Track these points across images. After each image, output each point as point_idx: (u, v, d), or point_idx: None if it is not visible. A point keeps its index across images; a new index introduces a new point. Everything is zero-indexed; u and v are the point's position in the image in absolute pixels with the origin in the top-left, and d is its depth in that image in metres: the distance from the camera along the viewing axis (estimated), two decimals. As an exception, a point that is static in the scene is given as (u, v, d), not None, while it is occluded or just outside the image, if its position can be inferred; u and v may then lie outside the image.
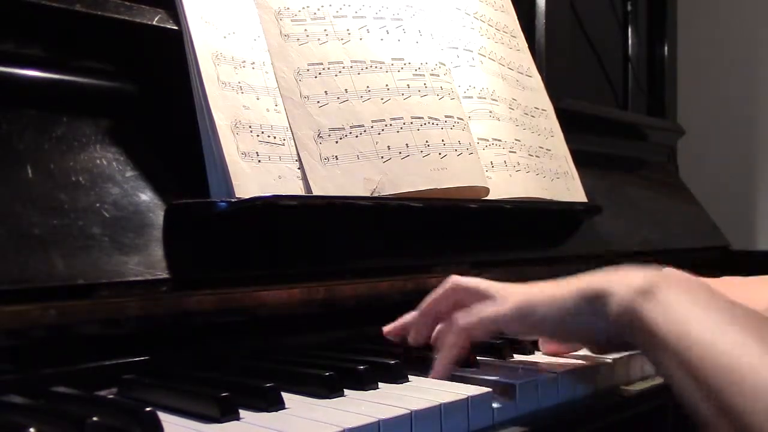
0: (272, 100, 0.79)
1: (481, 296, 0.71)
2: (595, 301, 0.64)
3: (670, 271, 0.63)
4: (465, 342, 0.70)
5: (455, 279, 0.74)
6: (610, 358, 0.77)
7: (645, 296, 0.60)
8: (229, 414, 0.54)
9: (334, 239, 0.81)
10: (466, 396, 0.60)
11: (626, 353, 0.78)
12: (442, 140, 0.87)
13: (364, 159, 0.81)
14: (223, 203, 0.71)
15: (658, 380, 0.77)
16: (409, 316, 0.75)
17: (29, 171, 0.65)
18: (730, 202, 1.95)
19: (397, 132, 0.84)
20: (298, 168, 0.78)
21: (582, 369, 0.74)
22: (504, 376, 0.67)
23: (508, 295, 0.69)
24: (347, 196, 0.79)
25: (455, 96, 0.92)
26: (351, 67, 0.84)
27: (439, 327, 0.73)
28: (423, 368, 0.69)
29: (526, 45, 1.14)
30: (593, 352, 0.77)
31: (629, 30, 1.70)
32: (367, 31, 0.87)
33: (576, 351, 0.80)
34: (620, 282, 0.63)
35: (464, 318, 0.69)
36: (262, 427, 0.52)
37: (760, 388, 0.52)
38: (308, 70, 0.82)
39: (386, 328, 0.76)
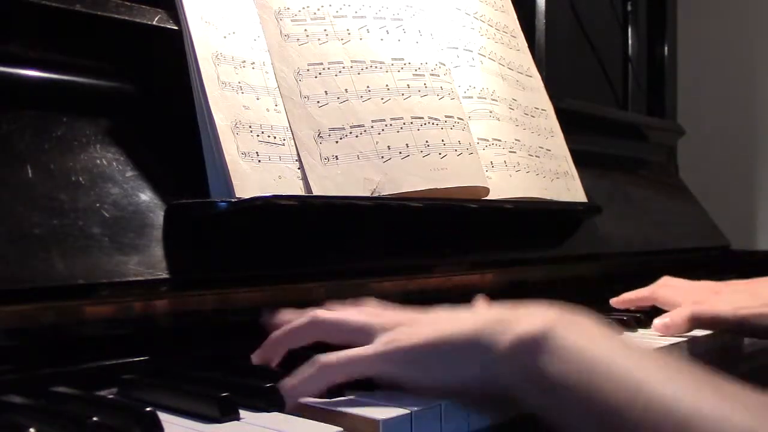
0: (272, 100, 0.79)
1: (348, 329, 0.63)
2: (478, 355, 0.55)
3: (555, 313, 0.55)
4: (320, 382, 0.58)
5: (318, 313, 0.65)
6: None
7: (536, 348, 0.52)
8: (229, 414, 0.54)
9: (334, 239, 0.81)
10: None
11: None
12: (442, 140, 0.87)
13: (364, 159, 0.81)
14: (223, 203, 0.71)
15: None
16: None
17: (29, 171, 0.65)
18: (730, 202, 1.95)
19: (397, 132, 0.84)
20: (298, 168, 0.78)
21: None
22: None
23: (385, 334, 0.60)
24: (347, 196, 0.79)
25: (455, 96, 0.92)
26: (351, 67, 0.84)
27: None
28: None
29: (526, 45, 1.14)
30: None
31: (629, 30, 1.70)
32: (367, 31, 0.87)
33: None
34: (506, 332, 0.55)
35: (327, 358, 0.59)
36: (262, 427, 0.52)
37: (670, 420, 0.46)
38: (308, 70, 0.82)
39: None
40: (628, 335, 0.53)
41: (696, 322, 0.89)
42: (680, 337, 0.88)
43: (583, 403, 0.50)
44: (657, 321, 0.90)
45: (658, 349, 0.81)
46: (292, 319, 0.67)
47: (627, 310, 1.01)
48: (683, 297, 0.95)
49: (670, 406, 0.47)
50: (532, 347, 0.52)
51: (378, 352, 0.59)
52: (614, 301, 1.03)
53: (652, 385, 0.48)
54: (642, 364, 0.51)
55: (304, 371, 0.58)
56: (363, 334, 0.61)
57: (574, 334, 0.53)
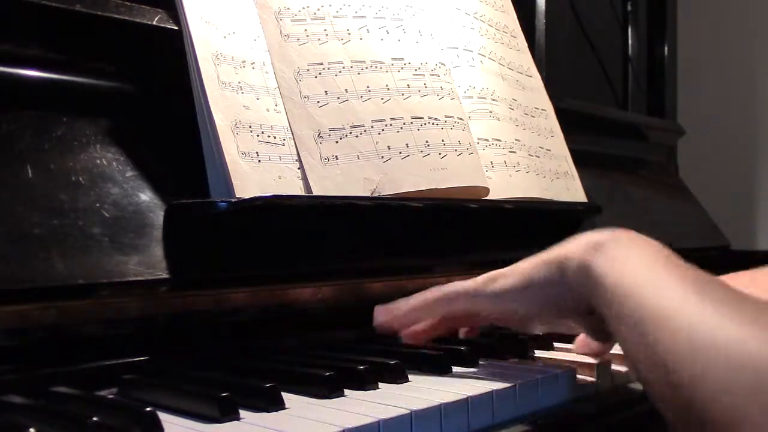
0: (272, 100, 0.79)
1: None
2: (554, 266, 0.66)
3: (626, 231, 0.65)
4: (426, 308, 0.74)
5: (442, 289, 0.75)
6: (615, 351, 0.77)
7: (596, 251, 0.62)
8: (229, 414, 0.54)
9: (334, 239, 0.81)
10: (466, 396, 0.60)
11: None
12: (442, 140, 0.87)
13: (364, 159, 0.81)
14: (223, 203, 0.71)
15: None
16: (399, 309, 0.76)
17: (29, 171, 0.65)
18: (730, 202, 1.95)
19: (397, 132, 0.84)
20: (298, 168, 0.78)
21: (587, 367, 0.74)
22: (503, 375, 0.67)
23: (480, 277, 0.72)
24: (347, 196, 0.79)
25: (455, 96, 0.92)
26: (351, 67, 0.84)
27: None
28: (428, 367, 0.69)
29: (526, 45, 1.14)
30: (589, 335, 0.75)
31: (629, 30, 1.70)
32: (367, 31, 0.87)
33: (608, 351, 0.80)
34: (576, 243, 0.65)
35: (442, 288, 0.73)
36: (262, 427, 0.52)
37: (692, 341, 0.51)
38: (308, 70, 0.82)
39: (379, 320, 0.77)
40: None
41: None
42: None
43: (617, 308, 0.58)
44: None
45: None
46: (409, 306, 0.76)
47: None
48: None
49: (696, 327, 0.52)
50: (593, 248, 0.63)
51: (476, 281, 0.71)
52: None
53: (683, 312, 0.54)
54: (667, 283, 0.57)
55: (421, 301, 0.74)
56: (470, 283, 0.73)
57: (626, 244, 0.62)
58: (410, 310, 0.75)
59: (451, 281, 0.94)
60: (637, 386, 0.76)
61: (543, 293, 0.68)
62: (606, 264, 0.61)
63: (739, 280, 0.95)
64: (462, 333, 0.82)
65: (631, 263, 0.60)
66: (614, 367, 0.76)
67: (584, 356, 0.78)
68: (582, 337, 0.80)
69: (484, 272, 0.99)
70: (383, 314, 0.76)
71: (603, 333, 0.70)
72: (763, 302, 0.54)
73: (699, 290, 0.55)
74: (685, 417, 0.51)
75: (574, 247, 0.65)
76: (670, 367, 0.52)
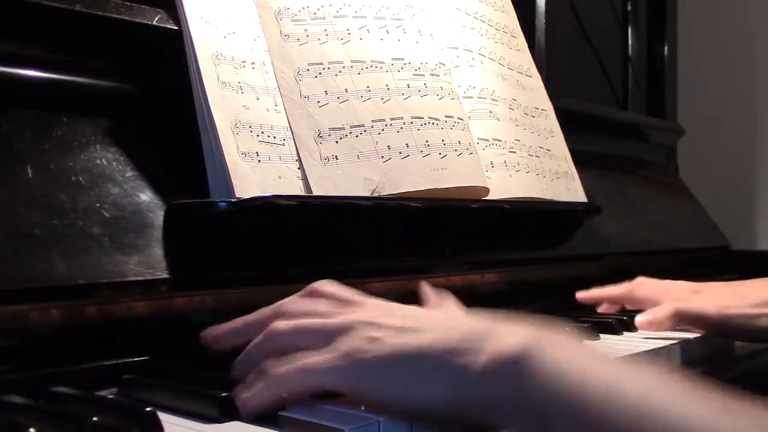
0: (272, 100, 0.79)
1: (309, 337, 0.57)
2: (445, 372, 0.51)
3: (535, 331, 0.51)
4: (269, 394, 0.54)
5: (270, 330, 0.59)
6: (624, 353, 0.77)
7: (517, 367, 0.49)
8: (229, 414, 0.54)
9: (334, 239, 0.81)
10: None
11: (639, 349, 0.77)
12: (442, 140, 0.87)
13: (364, 159, 0.81)
14: (223, 203, 0.71)
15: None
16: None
17: (29, 171, 0.65)
18: (730, 202, 1.95)
19: (397, 132, 0.84)
20: (298, 168, 0.78)
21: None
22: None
23: (344, 338, 0.54)
24: (347, 196, 0.79)
25: (455, 96, 0.92)
26: (351, 67, 0.84)
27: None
28: None
29: (526, 45, 1.14)
30: None
31: (629, 30, 1.70)
32: (367, 31, 0.87)
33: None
34: (479, 352, 0.50)
35: (277, 369, 0.55)
36: (262, 428, 0.52)
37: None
38: (308, 70, 0.82)
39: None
40: (601, 349, 0.51)
41: (679, 318, 0.88)
42: (666, 340, 0.86)
43: (573, 422, 0.47)
44: (639, 318, 0.89)
45: (648, 352, 0.80)
46: (232, 330, 0.63)
47: (595, 310, 1.01)
48: (663, 295, 0.94)
49: (665, 418, 0.45)
50: (514, 367, 0.48)
51: (334, 364, 0.53)
52: (581, 296, 1.01)
53: (651, 403, 0.46)
54: (633, 379, 0.48)
55: (256, 383, 0.54)
56: (319, 338, 0.55)
57: (558, 353, 0.49)
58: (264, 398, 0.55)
59: (451, 281, 0.94)
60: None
61: (422, 400, 0.52)
62: (543, 389, 0.48)
63: (722, 290, 0.95)
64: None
65: (575, 364, 0.48)
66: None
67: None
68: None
69: (484, 272, 0.99)
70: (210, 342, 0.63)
71: None
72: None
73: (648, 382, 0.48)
74: None
75: (477, 358, 0.50)
76: None
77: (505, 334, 0.51)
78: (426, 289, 0.69)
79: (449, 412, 0.51)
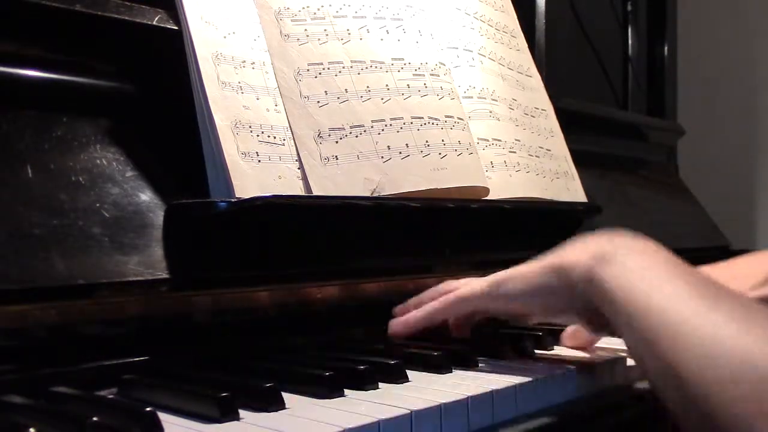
0: (272, 100, 0.79)
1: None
2: (560, 273, 0.67)
3: (630, 238, 0.66)
4: (441, 310, 0.76)
5: (447, 283, 0.79)
6: (620, 354, 0.77)
7: (602, 262, 0.63)
8: (229, 414, 0.54)
9: (334, 239, 0.81)
10: (466, 396, 0.60)
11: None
12: (442, 140, 0.87)
13: (364, 159, 0.81)
14: (223, 203, 0.71)
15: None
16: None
17: (29, 171, 0.65)
18: (730, 202, 1.95)
19: (397, 132, 0.84)
20: (298, 168, 0.78)
21: (587, 365, 0.74)
22: (503, 375, 0.67)
23: (485, 278, 0.75)
24: (347, 196, 0.79)
25: (455, 96, 0.92)
26: (351, 67, 0.84)
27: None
28: (424, 366, 0.69)
29: (526, 45, 1.14)
30: (585, 327, 0.76)
31: (629, 30, 1.70)
32: (367, 31, 0.87)
33: (595, 343, 0.81)
34: (582, 251, 0.66)
35: (445, 294, 0.76)
36: (262, 427, 0.52)
37: (700, 347, 0.53)
38: (308, 70, 0.82)
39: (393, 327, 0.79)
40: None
41: None
42: None
43: (624, 318, 0.59)
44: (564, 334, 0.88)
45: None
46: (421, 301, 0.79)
47: None
48: None
49: (702, 335, 0.54)
50: (600, 258, 0.63)
51: (482, 284, 0.74)
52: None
53: (690, 321, 0.55)
54: (674, 295, 0.57)
55: (428, 304, 0.77)
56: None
57: (633, 255, 0.63)
58: (427, 319, 0.77)
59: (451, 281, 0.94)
60: (640, 384, 0.76)
61: (549, 298, 0.69)
62: (614, 276, 0.62)
63: (718, 271, 0.95)
64: (453, 329, 0.82)
65: (640, 275, 0.61)
66: (615, 365, 0.76)
67: (585, 354, 0.78)
68: (570, 331, 0.81)
69: (484, 272, 0.99)
70: (402, 328, 0.78)
71: (601, 327, 0.71)
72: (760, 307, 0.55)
73: (709, 301, 0.56)
74: (700, 425, 0.52)
75: (580, 255, 0.66)
76: (682, 379, 0.53)
77: (602, 239, 0.66)
78: None
79: (567, 304, 0.69)
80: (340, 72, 0.83)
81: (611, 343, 0.83)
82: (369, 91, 0.84)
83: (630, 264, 0.62)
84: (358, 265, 0.84)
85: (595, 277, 0.63)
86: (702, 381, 0.52)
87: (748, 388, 0.50)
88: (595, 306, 0.65)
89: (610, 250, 0.64)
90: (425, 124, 0.87)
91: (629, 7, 1.68)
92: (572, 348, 0.81)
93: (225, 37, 0.78)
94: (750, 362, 0.51)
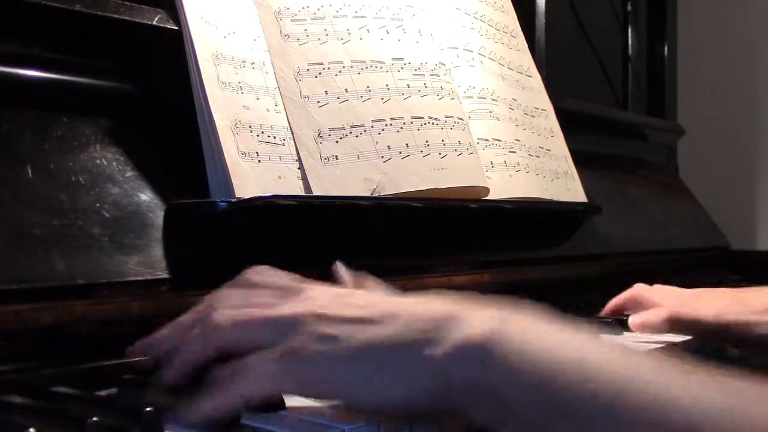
0: (272, 100, 0.79)
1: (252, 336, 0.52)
2: (405, 363, 0.48)
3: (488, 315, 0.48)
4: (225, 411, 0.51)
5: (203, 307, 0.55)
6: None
7: (473, 362, 0.46)
8: (229, 414, 0.53)
9: (334, 239, 0.81)
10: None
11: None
12: (442, 140, 0.87)
13: (364, 159, 0.81)
14: (223, 203, 0.71)
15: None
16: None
17: (29, 171, 0.65)
18: (730, 202, 1.95)
19: (397, 132, 0.84)
20: (298, 168, 0.78)
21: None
22: None
23: (289, 336, 0.50)
24: (347, 196, 0.79)
25: (455, 96, 0.92)
26: (351, 67, 0.84)
27: None
28: None
29: (526, 45, 1.14)
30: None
31: (629, 30, 1.70)
32: (367, 31, 0.87)
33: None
34: (437, 342, 0.47)
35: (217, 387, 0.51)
36: (262, 427, 0.52)
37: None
38: (308, 70, 0.82)
39: None
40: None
41: (674, 323, 0.87)
42: (659, 343, 0.85)
43: (536, 402, 0.44)
44: (633, 318, 0.88)
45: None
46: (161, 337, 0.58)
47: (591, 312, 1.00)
48: (663, 298, 0.94)
49: (654, 399, 0.43)
50: (480, 353, 0.46)
51: (283, 368, 0.49)
52: (605, 313, 1.00)
53: (628, 382, 0.44)
54: (606, 359, 0.45)
55: (209, 391, 0.51)
56: (264, 333, 0.51)
57: (524, 335, 0.46)
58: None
59: (451, 281, 0.94)
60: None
61: (380, 392, 0.49)
62: (498, 376, 0.46)
63: (721, 291, 0.95)
64: None
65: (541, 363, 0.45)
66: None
67: None
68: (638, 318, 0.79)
69: (484, 272, 0.99)
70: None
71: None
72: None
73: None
74: None
75: (435, 350, 0.47)
76: None
77: (469, 319, 0.47)
78: (341, 271, 0.62)
79: (414, 409, 0.48)
80: (340, 72, 0.83)
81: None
82: (369, 91, 0.84)
83: (515, 346, 0.46)
84: (358, 265, 0.84)
85: (471, 381, 0.46)
86: None
87: None
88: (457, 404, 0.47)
89: (480, 340, 0.46)
90: (425, 124, 0.87)
91: (629, 7, 1.68)
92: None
93: (225, 37, 0.78)
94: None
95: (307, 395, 0.51)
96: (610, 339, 0.47)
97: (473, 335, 0.46)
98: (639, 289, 0.98)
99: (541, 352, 0.45)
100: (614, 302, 0.99)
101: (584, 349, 0.46)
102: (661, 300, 0.93)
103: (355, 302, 0.52)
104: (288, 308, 0.52)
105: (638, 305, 0.96)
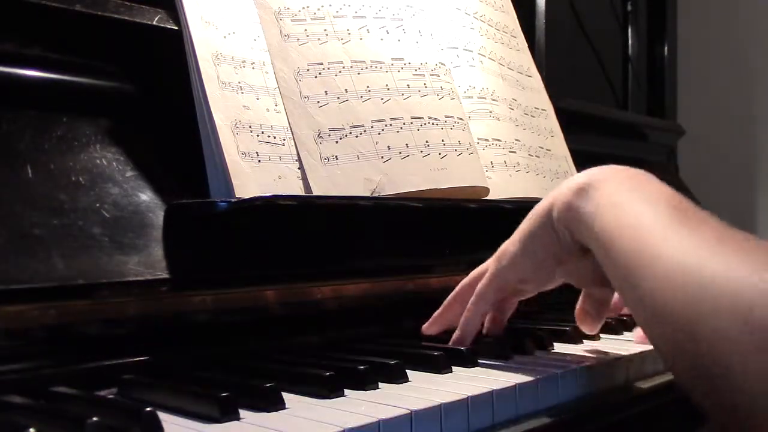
0: (272, 100, 0.79)
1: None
2: (542, 214, 0.67)
3: (615, 168, 0.65)
4: (477, 313, 0.75)
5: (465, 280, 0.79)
6: (624, 353, 0.77)
7: (581, 191, 0.62)
8: (229, 414, 0.54)
9: (334, 239, 0.81)
10: (466, 396, 0.60)
11: (638, 350, 0.78)
12: (442, 140, 0.87)
13: (364, 159, 0.81)
14: (223, 203, 0.71)
15: (669, 376, 0.76)
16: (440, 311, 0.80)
17: (29, 171, 0.65)
18: (730, 202, 1.95)
19: (397, 132, 0.84)
20: (298, 168, 0.78)
21: (589, 364, 0.74)
22: (503, 374, 0.67)
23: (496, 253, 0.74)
24: (347, 196, 0.79)
25: (455, 96, 0.92)
26: (351, 67, 0.84)
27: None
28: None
29: (526, 45, 1.14)
30: (581, 286, 0.76)
31: (629, 30, 1.70)
32: (367, 31, 0.87)
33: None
34: (562, 188, 0.65)
35: (471, 299, 0.75)
36: (262, 427, 0.52)
37: (669, 267, 0.50)
38: (308, 70, 0.82)
39: (425, 327, 0.81)
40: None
41: None
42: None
43: (602, 246, 0.57)
44: (636, 332, 0.87)
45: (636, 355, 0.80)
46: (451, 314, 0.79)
47: None
48: None
49: (677, 261, 0.51)
50: (579, 190, 0.62)
51: (489, 267, 0.75)
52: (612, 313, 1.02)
53: (664, 247, 0.52)
54: (661, 223, 0.54)
55: (466, 314, 0.75)
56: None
57: (615, 183, 0.61)
58: (446, 308, 0.79)
59: (451, 281, 0.94)
60: (640, 385, 0.76)
61: (537, 249, 0.69)
62: (592, 202, 0.60)
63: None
64: (486, 328, 0.81)
65: (618, 198, 0.59)
66: (616, 366, 0.76)
67: (587, 353, 0.78)
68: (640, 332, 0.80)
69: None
70: (432, 326, 0.80)
71: (586, 278, 0.70)
72: (746, 235, 0.52)
73: (684, 228, 0.53)
74: (684, 356, 0.49)
75: (561, 190, 0.65)
76: (658, 311, 0.51)
77: (581, 173, 0.66)
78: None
79: (560, 248, 0.67)
80: (340, 72, 0.83)
81: (612, 345, 0.83)
82: (369, 91, 0.84)
83: (609, 189, 0.60)
84: (358, 266, 0.84)
85: (572, 206, 0.62)
86: (682, 312, 0.49)
87: (728, 320, 0.46)
88: (575, 241, 0.64)
89: (591, 178, 0.63)
90: (425, 124, 0.87)
91: (629, 7, 1.68)
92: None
93: (225, 37, 0.78)
94: (732, 294, 0.46)
95: (511, 280, 0.75)
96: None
97: (581, 178, 0.64)
98: None
99: (613, 207, 0.59)
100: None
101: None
102: None
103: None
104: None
105: None
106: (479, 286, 0.75)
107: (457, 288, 0.79)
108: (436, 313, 0.80)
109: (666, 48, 1.77)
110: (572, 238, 0.65)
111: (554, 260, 0.70)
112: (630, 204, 0.58)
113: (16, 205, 0.63)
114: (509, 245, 0.73)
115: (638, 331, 0.87)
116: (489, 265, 0.76)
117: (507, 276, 0.74)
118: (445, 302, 0.79)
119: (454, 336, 0.76)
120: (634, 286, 0.53)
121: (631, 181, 0.61)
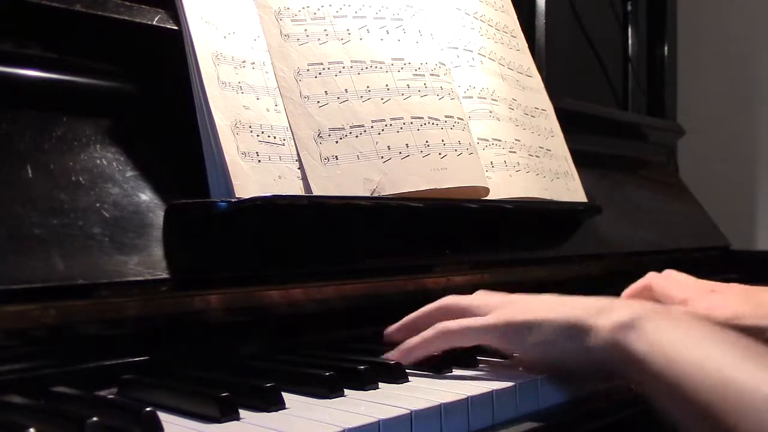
0: (272, 100, 0.79)
1: (473, 313, 0.71)
2: (577, 335, 0.64)
3: (652, 304, 0.66)
4: (440, 343, 0.70)
5: (449, 299, 0.74)
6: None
7: (628, 329, 0.61)
8: (229, 414, 0.54)
9: (334, 239, 0.81)
10: (466, 396, 0.60)
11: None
12: (442, 140, 0.87)
13: (364, 159, 0.81)
14: (223, 203, 0.71)
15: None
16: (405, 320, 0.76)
17: (29, 171, 0.65)
18: (730, 202, 1.95)
19: (397, 132, 0.84)
20: (298, 168, 0.78)
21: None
22: (503, 375, 0.67)
23: (502, 309, 0.69)
24: (347, 196, 0.79)
25: (455, 96, 0.92)
26: (351, 67, 0.84)
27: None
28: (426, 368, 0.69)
29: (526, 45, 1.14)
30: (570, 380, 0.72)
31: (629, 30, 1.70)
32: (367, 31, 0.87)
33: None
34: (604, 317, 0.63)
35: (447, 324, 0.70)
36: (262, 427, 0.52)
37: (748, 403, 0.53)
38: (308, 70, 0.82)
39: (387, 331, 0.77)
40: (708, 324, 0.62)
41: None
42: None
43: (666, 384, 0.58)
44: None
45: None
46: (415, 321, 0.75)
47: None
48: (678, 291, 0.93)
49: (750, 394, 0.54)
50: (626, 328, 0.61)
51: (490, 323, 0.68)
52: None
53: (737, 382, 0.54)
54: (725, 359, 0.57)
55: (427, 334, 0.70)
56: (480, 311, 0.71)
57: (663, 321, 0.61)
58: (424, 351, 0.71)
59: (451, 281, 0.94)
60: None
61: (557, 354, 0.66)
62: (642, 341, 0.60)
63: (735, 288, 0.95)
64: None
65: (668, 336, 0.60)
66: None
67: None
68: None
69: (484, 273, 0.99)
70: (399, 358, 0.71)
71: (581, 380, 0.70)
72: None
73: (742, 351, 0.57)
74: None
75: (600, 321, 0.63)
76: (729, 429, 0.53)
77: (623, 306, 0.65)
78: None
79: (575, 366, 0.66)
80: (340, 72, 0.83)
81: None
82: (369, 91, 0.84)
83: (656, 327, 0.61)
84: (358, 266, 0.84)
85: (620, 343, 0.61)
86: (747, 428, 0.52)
87: None
88: (616, 371, 0.64)
89: (633, 315, 0.62)
90: (425, 124, 0.87)
91: (629, 7, 1.69)
92: None
93: (225, 37, 0.78)
94: None
95: (507, 349, 0.71)
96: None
97: (624, 315, 0.63)
98: (652, 278, 0.98)
99: (664, 339, 0.60)
100: (628, 292, 0.99)
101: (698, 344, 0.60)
102: (676, 293, 0.93)
103: (546, 297, 0.71)
104: (497, 297, 0.74)
105: (652, 295, 0.96)
106: (474, 325, 0.69)
107: (434, 307, 0.74)
108: (405, 321, 0.76)
109: (666, 48, 1.77)
110: (610, 371, 0.64)
111: (570, 369, 0.68)
112: (691, 342, 0.60)
113: (16, 205, 0.63)
114: (536, 334, 0.66)
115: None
116: (484, 310, 0.70)
117: (507, 348, 0.71)
118: (416, 316, 0.75)
119: (402, 347, 0.71)
120: (715, 419, 0.55)
121: (680, 319, 0.63)
